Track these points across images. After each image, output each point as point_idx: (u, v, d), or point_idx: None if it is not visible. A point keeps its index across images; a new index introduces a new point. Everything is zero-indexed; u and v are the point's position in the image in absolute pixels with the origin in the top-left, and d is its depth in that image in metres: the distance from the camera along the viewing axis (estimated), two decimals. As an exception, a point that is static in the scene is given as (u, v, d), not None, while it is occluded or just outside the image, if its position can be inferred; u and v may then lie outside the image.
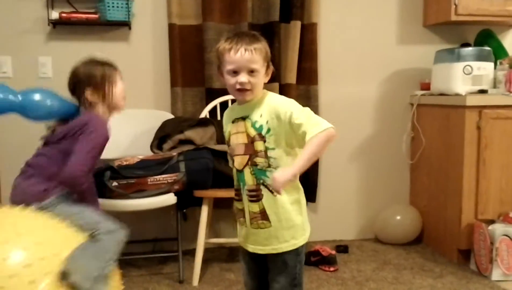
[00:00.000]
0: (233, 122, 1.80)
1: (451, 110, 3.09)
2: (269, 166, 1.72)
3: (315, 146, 1.66)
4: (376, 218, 3.47)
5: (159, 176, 2.77)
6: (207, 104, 3.17)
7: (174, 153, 2.88)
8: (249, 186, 1.75)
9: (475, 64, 3.08)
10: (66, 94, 3.11)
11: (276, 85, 3.20)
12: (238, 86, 1.71)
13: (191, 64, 3.19)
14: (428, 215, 3.36)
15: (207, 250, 3.09)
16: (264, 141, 1.72)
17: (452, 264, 3.03)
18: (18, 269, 1.63)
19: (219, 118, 3.12)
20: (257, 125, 1.73)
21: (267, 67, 1.77)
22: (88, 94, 2.18)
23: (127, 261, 3.04)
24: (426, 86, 3.38)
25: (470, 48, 3.21)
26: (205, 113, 3.14)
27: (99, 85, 2.18)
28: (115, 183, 2.75)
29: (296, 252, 1.79)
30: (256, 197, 1.75)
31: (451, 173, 3.09)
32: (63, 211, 1.96)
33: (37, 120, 2.31)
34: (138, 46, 3.21)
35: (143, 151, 2.99)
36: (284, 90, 3.22)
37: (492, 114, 2.95)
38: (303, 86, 3.31)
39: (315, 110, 3.29)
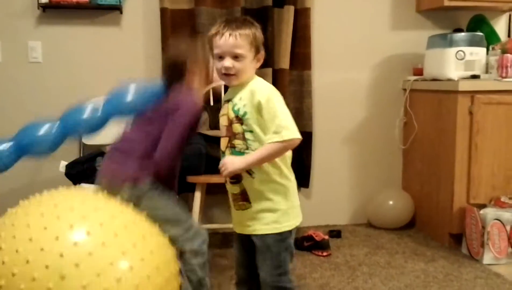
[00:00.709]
0: (223, 104, 1.85)
1: (444, 95, 3.10)
2: (247, 148, 1.75)
3: (267, 153, 1.70)
4: (368, 203, 3.49)
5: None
6: (199, 89, 3.14)
7: (167, 138, 2.87)
8: None
9: (468, 50, 3.09)
10: (57, 79, 3.10)
11: (269, 70, 3.18)
12: (223, 71, 1.75)
13: (184, 48, 3.16)
14: (420, 200, 3.38)
15: (200, 236, 3.09)
16: (241, 124, 1.75)
17: (444, 248, 3.05)
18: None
19: (212, 103, 3.10)
20: (236, 108, 1.76)
21: (256, 52, 1.78)
22: (188, 70, 2.06)
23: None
24: (418, 72, 3.38)
25: (462, 34, 3.21)
26: (197, 99, 3.12)
27: (197, 61, 2.08)
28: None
29: (280, 237, 1.78)
30: (235, 178, 1.78)
31: (443, 158, 3.10)
32: (149, 202, 1.93)
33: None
34: (130, 31, 3.18)
35: (135, 136, 2.97)
36: (277, 76, 3.21)
37: (484, 99, 2.96)
38: (296, 71, 3.30)
39: (308, 95, 3.33)
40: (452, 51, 3.08)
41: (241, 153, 1.75)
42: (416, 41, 3.44)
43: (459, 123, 2.96)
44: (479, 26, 3.42)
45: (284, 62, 3.22)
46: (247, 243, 1.84)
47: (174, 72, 2.08)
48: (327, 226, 3.42)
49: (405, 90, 3.45)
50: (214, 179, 2.72)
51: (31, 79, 3.09)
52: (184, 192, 2.94)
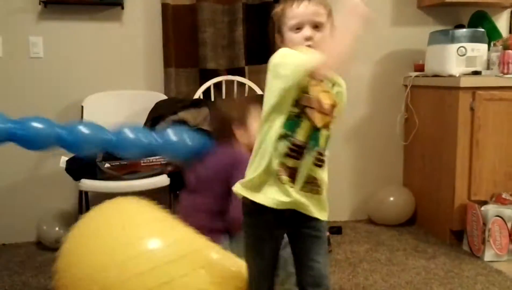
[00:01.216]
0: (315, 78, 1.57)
1: (445, 91, 3.09)
2: (329, 138, 1.62)
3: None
4: (369, 199, 3.48)
5: (152, 158, 2.76)
6: (200, 85, 3.14)
7: (168, 134, 2.87)
8: (320, 148, 1.58)
9: (469, 46, 3.08)
10: (58, 74, 3.09)
11: (271, 65, 3.17)
12: (305, 42, 1.55)
13: (185, 44, 3.16)
14: (421, 196, 3.37)
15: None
16: (337, 108, 1.63)
17: (445, 245, 3.05)
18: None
19: (212, 99, 3.10)
20: (336, 91, 1.64)
21: (331, 27, 1.61)
22: (234, 133, 2.13)
23: (120, 243, 3.03)
24: (420, 68, 3.37)
25: (464, 30, 3.20)
26: (198, 94, 3.12)
27: (241, 125, 2.13)
28: (107, 165, 2.74)
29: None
30: (322, 162, 1.60)
31: (445, 154, 3.09)
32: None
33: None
34: (131, 26, 3.17)
35: (136, 132, 2.96)
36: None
37: (485, 96, 2.95)
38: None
39: (309, 91, 3.31)
40: (453, 47, 3.07)
41: (328, 141, 1.61)
42: (418, 37, 3.43)
43: (461, 119, 2.96)
44: (480, 22, 3.41)
45: (285, 58, 3.22)
46: (292, 228, 1.65)
47: (225, 128, 2.16)
48: (328, 223, 3.39)
49: (406, 86, 3.44)
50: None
51: (32, 74, 3.08)
52: (183, 188, 2.94)
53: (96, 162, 2.73)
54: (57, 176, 2.96)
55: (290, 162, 1.55)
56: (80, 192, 2.86)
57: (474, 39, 3.11)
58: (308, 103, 1.54)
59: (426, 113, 3.28)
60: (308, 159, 1.56)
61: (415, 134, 3.39)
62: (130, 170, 2.75)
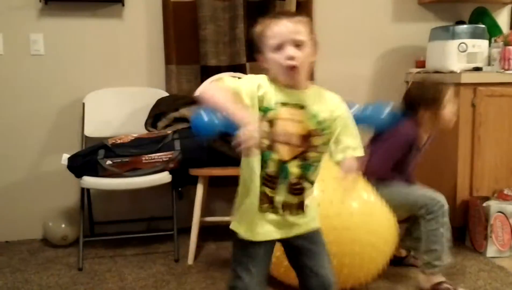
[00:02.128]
0: (284, 104, 1.55)
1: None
2: (318, 161, 1.60)
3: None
4: (370, 196, 3.48)
5: (154, 155, 2.75)
6: (202, 81, 3.13)
7: (169, 131, 2.87)
8: (293, 178, 1.57)
9: (470, 42, 3.08)
10: (59, 72, 3.09)
11: (271, 62, 3.17)
12: (287, 62, 1.50)
13: (186, 41, 3.15)
14: (422, 193, 3.36)
15: (203, 229, 3.08)
16: (321, 136, 1.58)
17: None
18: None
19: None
20: (319, 119, 1.56)
21: (314, 43, 1.57)
22: (421, 113, 2.49)
23: (122, 240, 3.03)
24: (421, 64, 3.37)
25: (465, 26, 3.20)
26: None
27: (429, 107, 2.47)
28: (109, 162, 2.73)
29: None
30: (299, 190, 1.60)
31: (446, 151, 3.09)
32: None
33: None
34: (132, 23, 3.17)
35: (137, 129, 2.97)
36: (279, 68, 3.20)
37: (486, 92, 2.95)
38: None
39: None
40: (454, 43, 3.07)
41: (310, 165, 1.58)
42: (419, 33, 3.42)
43: (462, 115, 2.95)
44: (481, 18, 3.41)
45: (286, 54, 3.21)
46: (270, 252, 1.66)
47: (416, 104, 2.51)
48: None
49: (407, 82, 3.43)
50: (217, 171, 2.73)
51: (33, 71, 3.07)
52: (187, 185, 2.95)
53: (97, 159, 2.73)
54: (59, 174, 2.96)
55: (270, 192, 1.59)
56: (82, 189, 2.86)
57: (475, 35, 3.11)
58: (275, 137, 1.54)
59: (428, 110, 3.28)
60: (282, 189, 1.58)
61: (416, 131, 3.38)
62: (132, 167, 2.74)
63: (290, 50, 1.49)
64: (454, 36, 3.09)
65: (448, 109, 2.46)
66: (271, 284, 2.35)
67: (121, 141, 2.80)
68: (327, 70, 3.39)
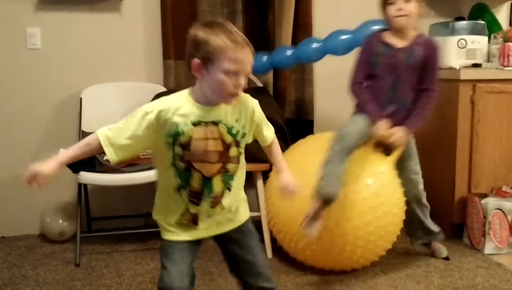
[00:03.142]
0: (195, 124, 1.53)
1: (445, 84, 3.05)
2: (236, 169, 1.62)
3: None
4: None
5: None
6: (200, 77, 3.12)
7: (167, 126, 2.85)
8: (216, 193, 1.60)
9: (469, 38, 3.07)
10: (56, 66, 3.07)
11: (270, 58, 3.16)
12: (234, 90, 1.49)
13: (184, 36, 3.08)
14: (421, 190, 3.36)
15: (200, 225, 3.08)
16: (238, 146, 1.60)
17: (445, 237, 3.03)
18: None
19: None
20: (234, 131, 1.58)
21: None
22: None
23: (119, 236, 3.03)
24: (420, 60, 3.36)
25: (464, 22, 3.20)
26: (197, 86, 3.10)
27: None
28: (106, 157, 2.70)
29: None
30: (219, 201, 1.62)
31: (445, 147, 3.09)
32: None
33: None
34: (130, 17, 3.15)
35: (135, 124, 2.95)
36: (278, 64, 3.19)
37: (486, 88, 2.94)
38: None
39: (310, 84, 3.32)
40: (453, 39, 3.06)
41: (231, 176, 1.61)
42: (418, 29, 3.41)
43: (461, 112, 2.95)
44: (480, 14, 3.40)
45: (285, 48, 3.20)
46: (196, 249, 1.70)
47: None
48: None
49: (406, 79, 3.43)
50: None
51: (30, 66, 3.05)
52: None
53: (94, 154, 2.71)
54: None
55: (193, 209, 1.61)
56: (79, 184, 2.84)
57: (474, 31, 3.10)
58: (191, 158, 1.55)
59: (426, 106, 3.27)
60: (205, 205, 1.61)
61: (415, 127, 3.38)
62: (129, 163, 2.73)
63: (243, 81, 1.50)
64: (453, 32, 3.08)
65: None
66: (299, 267, 2.57)
67: (119, 136, 2.78)
68: (326, 67, 3.39)
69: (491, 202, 2.82)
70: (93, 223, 3.17)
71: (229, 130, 1.57)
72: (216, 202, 1.62)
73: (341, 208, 2.32)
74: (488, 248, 2.81)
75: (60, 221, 2.99)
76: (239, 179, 1.66)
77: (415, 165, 2.63)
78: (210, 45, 1.46)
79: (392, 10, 2.42)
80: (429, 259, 2.72)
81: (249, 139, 1.67)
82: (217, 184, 1.60)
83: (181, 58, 3.17)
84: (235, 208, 1.68)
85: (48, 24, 3.05)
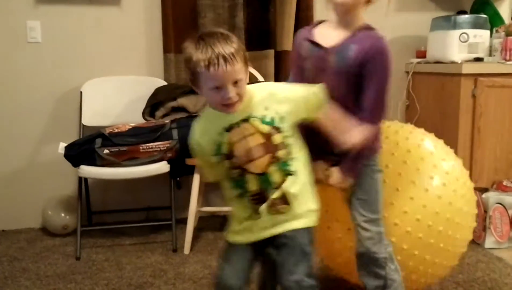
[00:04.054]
0: (228, 130, 1.56)
1: (447, 78, 3.07)
2: (290, 154, 1.59)
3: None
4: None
5: (152, 144, 2.74)
6: (201, 70, 3.11)
7: (167, 120, 2.85)
8: (276, 183, 1.58)
9: (471, 32, 3.05)
10: (56, 59, 3.06)
11: (272, 52, 3.15)
12: (225, 102, 1.50)
13: (185, 29, 3.12)
14: (421, 184, 3.36)
15: (200, 219, 3.08)
16: (281, 132, 1.57)
17: (445, 232, 3.04)
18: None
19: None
20: (268, 119, 1.56)
21: (246, 66, 1.56)
22: None
23: (120, 230, 3.03)
24: (422, 54, 3.35)
25: (466, 16, 3.17)
26: (198, 80, 3.09)
27: None
28: (106, 151, 2.72)
29: (312, 236, 1.62)
30: (278, 188, 1.58)
31: (446, 142, 3.04)
32: None
33: None
34: (130, 11, 3.13)
35: (135, 118, 2.95)
36: (280, 57, 3.18)
37: (487, 82, 2.93)
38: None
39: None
40: (455, 33, 3.05)
41: (287, 164, 1.58)
42: (420, 23, 3.40)
43: (462, 106, 2.94)
44: (482, 8, 3.38)
45: (287, 43, 3.18)
46: (256, 250, 1.67)
47: None
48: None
49: (407, 72, 3.42)
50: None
51: (30, 59, 3.05)
52: (185, 174, 2.93)
53: (94, 148, 2.71)
54: (57, 162, 2.94)
55: (251, 208, 1.61)
56: (80, 178, 2.84)
57: (476, 25, 3.08)
58: (240, 162, 1.57)
59: (428, 100, 3.26)
60: (269, 199, 1.59)
61: (417, 121, 3.36)
62: (129, 157, 2.73)
63: (230, 92, 1.48)
64: (455, 26, 3.06)
65: None
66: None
67: (119, 130, 2.78)
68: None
69: (492, 197, 2.81)
70: (93, 216, 3.17)
71: (263, 120, 1.56)
72: (277, 188, 1.58)
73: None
74: (489, 243, 2.81)
75: (62, 215, 3.00)
76: (298, 162, 1.61)
77: (369, 207, 1.81)
78: (192, 64, 1.49)
79: None
80: (430, 254, 2.72)
81: (289, 125, 1.59)
82: (274, 175, 1.57)
83: (182, 51, 3.13)
84: (298, 202, 1.61)
85: (48, 17, 3.03)
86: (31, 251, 2.80)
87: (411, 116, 3.43)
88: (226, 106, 1.51)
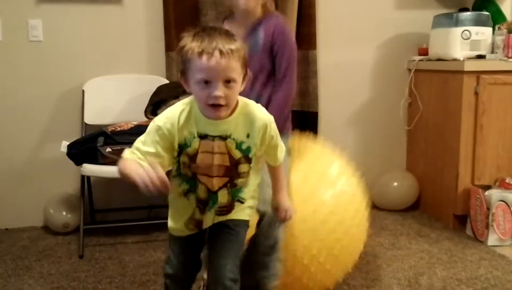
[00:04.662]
0: (202, 138, 1.47)
1: (449, 75, 3.06)
2: (246, 183, 1.57)
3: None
4: (373, 185, 3.45)
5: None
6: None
7: (170, 118, 2.84)
8: (221, 203, 1.57)
9: (473, 29, 3.05)
10: (58, 58, 3.06)
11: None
12: (211, 101, 1.38)
13: (186, 27, 3.09)
14: (424, 181, 3.36)
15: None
16: (249, 162, 1.53)
17: (448, 229, 3.04)
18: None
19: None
20: (244, 147, 1.50)
21: (245, 72, 1.46)
22: None
23: (122, 228, 3.03)
24: (424, 51, 3.34)
25: (468, 13, 3.16)
26: (200, 78, 3.08)
27: None
28: (108, 149, 2.72)
29: (247, 228, 1.67)
30: (227, 210, 1.59)
31: (448, 139, 3.08)
32: None
33: None
34: (132, 9, 3.13)
35: (137, 117, 2.95)
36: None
37: (489, 80, 2.93)
38: (301, 50, 3.23)
39: (314, 75, 3.30)
40: (457, 30, 3.04)
41: (240, 190, 1.57)
42: (421, 20, 3.39)
43: (464, 103, 2.93)
44: (485, 5, 3.37)
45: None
46: (198, 241, 1.69)
47: None
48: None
49: (410, 70, 3.41)
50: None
51: (32, 58, 3.05)
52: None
53: (97, 146, 2.71)
54: (60, 161, 2.95)
55: (198, 216, 1.60)
56: (82, 176, 2.85)
57: (478, 22, 3.07)
58: (197, 170, 1.51)
59: (430, 98, 3.26)
60: (210, 214, 1.59)
61: (419, 119, 3.37)
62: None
63: (219, 90, 1.37)
64: (457, 23, 3.06)
65: None
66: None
67: (121, 128, 2.78)
68: (330, 57, 3.39)
69: (494, 194, 2.81)
70: (96, 215, 3.17)
71: (238, 146, 1.49)
72: (223, 211, 1.59)
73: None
74: (491, 240, 2.80)
75: (64, 213, 3.00)
76: (251, 191, 1.63)
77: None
78: (183, 54, 1.40)
79: None
80: (432, 251, 2.72)
81: (258, 154, 1.58)
82: (223, 196, 1.55)
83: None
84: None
85: (50, 16, 3.03)
86: (34, 249, 2.80)
87: (413, 113, 3.43)
88: (212, 107, 1.40)
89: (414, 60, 3.36)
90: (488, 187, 2.91)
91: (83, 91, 3.05)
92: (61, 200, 3.05)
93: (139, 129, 2.75)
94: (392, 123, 3.53)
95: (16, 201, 3.13)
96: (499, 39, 3.08)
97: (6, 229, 3.13)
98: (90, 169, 2.70)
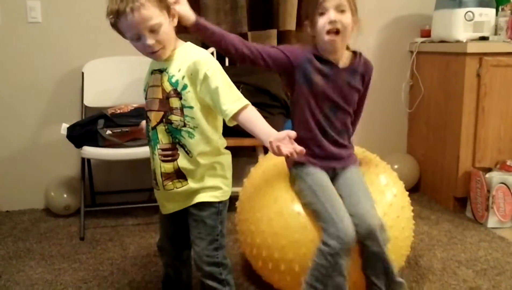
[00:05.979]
0: (152, 73, 1.64)
1: (451, 57, 3.04)
2: (185, 125, 1.58)
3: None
4: (372, 167, 3.47)
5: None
6: (202, 50, 3.08)
7: (170, 100, 2.83)
8: (162, 144, 1.61)
9: (477, 10, 3.01)
10: (57, 39, 3.04)
11: (274, 32, 3.11)
12: (146, 51, 1.56)
13: (187, 8, 3.09)
14: (425, 164, 3.35)
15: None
16: (180, 98, 1.56)
17: (449, 211, 3.05)
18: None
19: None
20: (173, 80, 1.57)
21: (168, 10, 1.56)
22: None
23: (123, 210, 3.04)
24: (426, 33, 3.31)
25: (471, -6, 3.13)
26: (200, 60, 3.07)
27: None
28: (108, 132, 2.72)
29: (216, 210, 1.66)
30: (170, 156, 1.61)
31: (450, 122, 3.06)
32: None
33: None
34: (131, -10, 3.09)
35: (137, 99, 2.91)
36: (283, 37, 3.14)
37: (492, 62, 2.90)
38: (302, 33, 3.23)
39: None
40: (460, 12, 3.00)
41: (178, 129, 1.58)
42: (424, 1, 3.36)
43: (467, 85, 2.91)
44: (488, -14, 3.33)
45: (290, 23, 3.14)
46: (177, 218, 1.74)
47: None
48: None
49: (412, 52, 3.39)
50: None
51: (31, 40, 3.02)
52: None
53: (97, 129, 2.71)
54: (60, 143, 2.95)
55: (152, 165, 1.69)
56: (83, 159, 2.85)
57: (482, 3, 3.04)
58: (146, 106, 1.67)
59: (432, 80, 3.24)
60: (156, 158, 1.64)
61: (420, 101, 3.35)
62: (132, 137, 2.73)
63: (148, 40, 1.52)
64: (460, 4, 3.02)
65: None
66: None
67: (121, 111, 2.78)
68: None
69: (495, 176, 2.81)
70: (97, 197, 3.18)
71: (169, 79, 1.58)
72: (167, 157, 1.61)
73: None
74: (491, 222, 2.81)
75: (65, 196, 3.01)
76: (197, 145, 1.60)
77: None
78: (108, 17, 1.58)
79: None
80: (432, 233, 2.73)
81: (193, 100, 1.57)
82: (162, 134, 1.61)
83: (183, 31, 3.10)
84: (196, 180, 1.64)
85: (49, -4, 3.01)
86: (35, 232, 2.82)
87: (415, 96, 3.41)
88: (151, 54, 1.57)
89: (416, 42, 3.33)
90: (488, 170, 2.90)
91: (82, 73, 3.03)
92: (62, 182, 3.06)
93: (139, 112, 2.75)
94: (394, 105, 3.51)
95: (17, 183, 3.13)
96: (503, 20, 3.05)
97: (7, 211, 3.14)
98: (90, 151, 2.70)
